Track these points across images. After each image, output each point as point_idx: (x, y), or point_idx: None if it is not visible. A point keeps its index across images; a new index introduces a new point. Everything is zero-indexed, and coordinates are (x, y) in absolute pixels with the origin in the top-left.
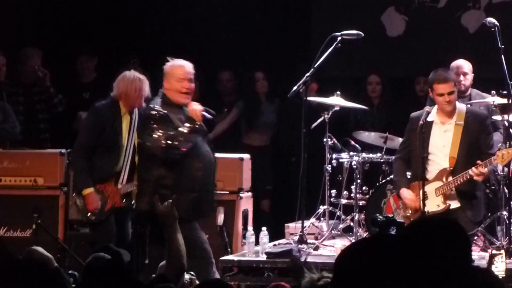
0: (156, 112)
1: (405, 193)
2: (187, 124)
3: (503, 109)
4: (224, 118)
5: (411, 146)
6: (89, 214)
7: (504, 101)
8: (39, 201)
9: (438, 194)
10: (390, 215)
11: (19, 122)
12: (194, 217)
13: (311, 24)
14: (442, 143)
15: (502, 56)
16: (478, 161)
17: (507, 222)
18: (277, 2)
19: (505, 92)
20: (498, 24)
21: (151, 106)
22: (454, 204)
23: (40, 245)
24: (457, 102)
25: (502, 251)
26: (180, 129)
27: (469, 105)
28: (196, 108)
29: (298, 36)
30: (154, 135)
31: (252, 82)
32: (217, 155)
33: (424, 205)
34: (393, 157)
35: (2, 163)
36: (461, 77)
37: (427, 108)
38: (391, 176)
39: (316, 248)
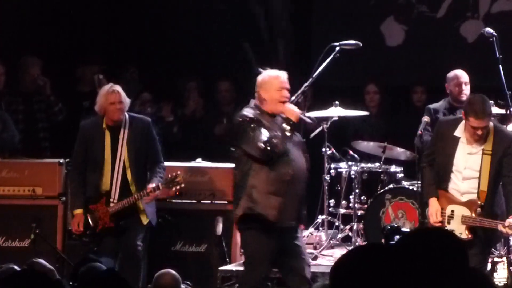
0: (246, 117)
1: (433, 206)
2: (284, 125)
3: (502, 119)
4: (224, 127)
5: (436, 153)
6: (73, 236)
7: (502, 111)
8: (38, 211)
9: (464, 223)
10: (396, 225)
11: (18, 131)
12: (279, 222)
13: (311, 33)
14: (464, 164)
15: (500, 66)
16: (508, 222)
17: None
18: (277, 11)
19: (503, 102)
20: (496, 34)
21: (240, 113)
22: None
23: (38, 254)
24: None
25: (504, 258)
26: (274, 132)
27: (497, 125)
28: (292, 107)
29: (298, 45)
30: (250, 138)
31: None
32: (216, 164)
33: (449, 223)
34: (392, 166)
35: (1, 172)
36: (463, 86)
37: (425, 118)
38: (390, 186)
39: (315, 258)
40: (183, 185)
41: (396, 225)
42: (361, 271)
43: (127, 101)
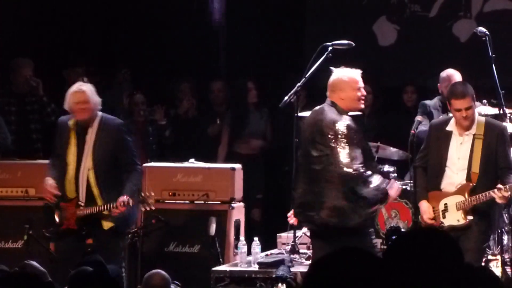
0: (351, 129)
1: (424, 206)
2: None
3: (495, 118)
4: (217, 127)
5: (429, 154)
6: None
7: (496, 110)
8: (31, 212)
9: (459, 209)
10: (395, 225)
11: (11, 132)
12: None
13: (304, 33)
14: (457, 155)
15: (493, 65)
16: (500, 186)
17: (499, 231)
18: (270, 11)
19: (496, 101)
20: (488, 33)
21: (338, 120)
22: (469, 217)
23: (31, 256)
24: (476, 113)
25: (498, 257)
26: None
27: (488, 116)
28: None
29: (291, 45)
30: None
31: (243, 91)
32: (209, 165)
33: (444, 217)
34: (385, 166)
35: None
36: None
37: (418, 118)
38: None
39: (308, 258)
40: (153, 208)
41: (395, 226)
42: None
43: (94, 101)
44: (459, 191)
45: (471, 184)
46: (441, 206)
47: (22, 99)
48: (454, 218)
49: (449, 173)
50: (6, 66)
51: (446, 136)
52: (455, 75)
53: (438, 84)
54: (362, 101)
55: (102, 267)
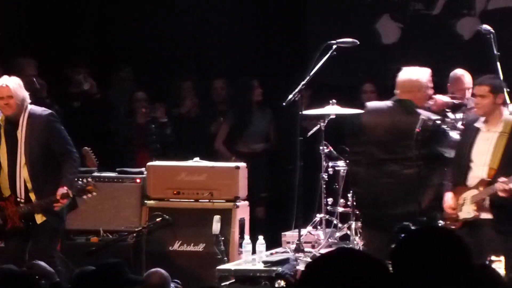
0: (438, 120)
1: (447, 198)
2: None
3: None
4: (221, 132)
5: (457, 147)
6: None
7: None
8: None
9: (472, 202)
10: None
11: None
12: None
13: (306, 32)
14: (482, 151)
15: (498, 63)
16: (503, 178)
17: None
18: (272, 9)
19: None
20: (493, 31)
21: (431, 117)
22: (486, 215)
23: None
24: (506, 111)
25: (502, 258)
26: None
27: None
28: (441, 97)
29: (293, 44)
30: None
31: (247, 90)
32: (213, 163)
33: (460, 210)
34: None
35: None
36: (467, 93)
37: (422, 116)
38: None
39: (313, 257)
40: (95, 194)
41: (405, 224)
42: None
43: (20, 95)
44: (476, 186)
45: (486, 179)
46: (461, 200)
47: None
48: (466, 211)
49: (474, 168)
50: (8, 66)
51: (474, 132)
52: (465, 75)
53: (448, 84)
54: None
55: (121, 268)
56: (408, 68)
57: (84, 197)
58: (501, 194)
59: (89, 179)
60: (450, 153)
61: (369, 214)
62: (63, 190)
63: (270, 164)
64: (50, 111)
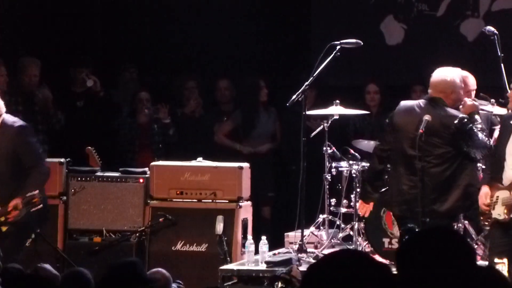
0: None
1: (483, 192)
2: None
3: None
4: (224, 126)
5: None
6: None
7: (504, 110)
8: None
9: (503, 204)
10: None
11: None
12: None
13: (310, 32)
14: None
15: (502, 64)
16: None
17: None
18: (276, 10)
19: (504, 100)
20: (497, 32)
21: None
22: None
23: (39, 254)
24: None
25: (505, 260)
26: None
27: (496, 116)
28: (470, 101)
29: (297, 44)
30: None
31: (254, 90)
32: (217, 164)
33: (493, 208)
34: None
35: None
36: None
37: (426, 117)
38: None
39: (316, 258)
40: (40, 206)
41: (411, 226)
42: (333, 277)
43: None
44: (508, 187)
45: None
46: (494, 198)
47: (29, 99)
48: (498, 212)
49: (506, 168)
50: (14, 66)
51: (508, 129)
52: (469, 77)
53: None
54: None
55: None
56: (442, 68)
57: (33, 209)
58: None
59: (35, 192)
60: (477, 154)
61: (399, 211)
62: (15, 201)
63: (275, 164)
64: (22, 123)
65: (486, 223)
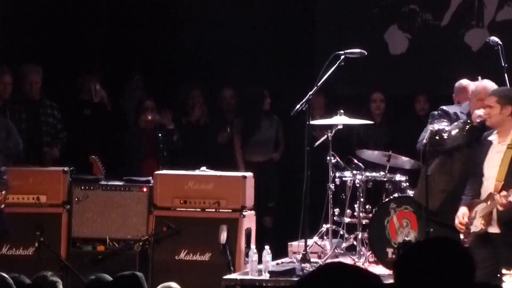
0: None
1: (460, 213)
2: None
3: None
4: (227, 135)
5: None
6: None
7: None
8: (42, 219)
9: (480, 216)
10: (407, 239)
11: (22, 139)
12: None
13: (315, 41)
14: (492, 164)
15: (506, 74)
16: (504, 191)
17: None
18: (281, 19)
19: None
20: (501, 43)
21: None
22: (493, 230)
23: (42, 262)
24: None
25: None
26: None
27: None
28: (477, 112)
29: (301, 53)
30: (428, 129)
31: (257, 98)
32: (220, 173)
33: (471, 223)
34: (396, 175)
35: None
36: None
37: (430, 127)
38: (395, 195)
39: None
40: (3, 206)
41: (408, 239)
42: None
43: None
44: (486, 199)
45: (494, 193)
46: (473, 214)
47: (32, 107)
48: (476, 224)
49: (485, 182)
50: (16, 72)
51: (487, 145)
52: (471, 85)
53: (454, 94)
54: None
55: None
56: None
57: None
58: (499, 207)
59: (3, 192)
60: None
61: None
62: None
63: (280, 172)
64: None
65: (466, 241)
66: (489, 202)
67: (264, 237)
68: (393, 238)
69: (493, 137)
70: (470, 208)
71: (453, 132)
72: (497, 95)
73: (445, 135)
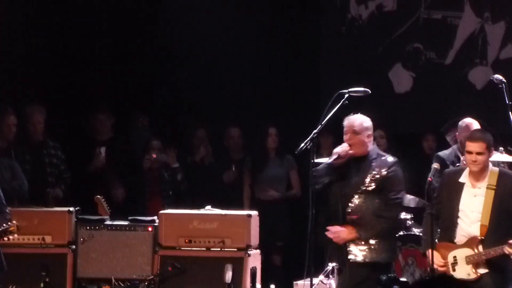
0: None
1: (434, 256)
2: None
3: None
4: (232, 174)
5: (442, 204)
6: None
7: None
8: (47, 259)
9: (469, 263)
10: (393, 275)
11: (26, 180)
12: None
13: (319, 80)
14: (471, 208)
15: (510, 112)
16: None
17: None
18: (286, 58)
19: None
20: (505, 80)
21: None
22: (482, 270)
23: None
24: (490, 165)
25: None
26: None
27: (502, 167)
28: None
29: (307, 91)
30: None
31: (263, 137)
32: (225, 212)
33: (453, 270)
34: (402, 213)
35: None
36: None
37: (435, 165)
38: (400, 233)
39: None
40: (16, 235)
41: (393, 275)
42: None
43: None
44: (467, 244)
45: (479, 237)
46: (450, 259)
47: (36, 148)
48: (464, 272)
49: (463, 226)
50: (20, 114)
51: (459, 187)
52: (474, 124)
53: (457, 133)
54: None
55: None
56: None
57: (5, 239)
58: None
59: (14, 222)
60: None
61: None
62: None
63: (290, 211)
64: None
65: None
66: (477, 249)
67: (271, 274)
68: (399, 276)
69: (464, 179)
70: (439, 250)
71: None
72: (487, 141)
73: None
